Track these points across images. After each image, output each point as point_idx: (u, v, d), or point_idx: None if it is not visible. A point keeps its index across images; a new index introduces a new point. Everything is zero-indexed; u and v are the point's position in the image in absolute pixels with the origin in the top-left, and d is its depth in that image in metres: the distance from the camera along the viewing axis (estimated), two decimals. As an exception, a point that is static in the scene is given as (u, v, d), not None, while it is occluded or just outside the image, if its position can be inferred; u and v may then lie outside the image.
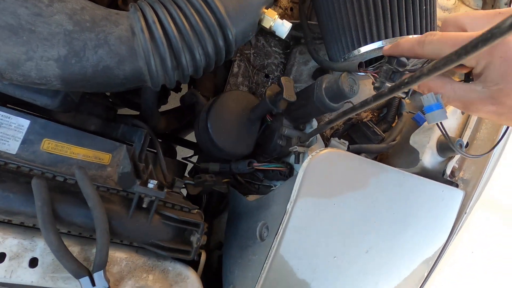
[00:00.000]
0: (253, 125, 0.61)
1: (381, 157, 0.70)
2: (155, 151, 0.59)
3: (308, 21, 0.75)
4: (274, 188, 0.62)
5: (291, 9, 0.87)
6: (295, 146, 0.58)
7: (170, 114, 0.79)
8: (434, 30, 0.50)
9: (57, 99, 0.43)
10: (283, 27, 0.46)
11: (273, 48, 0.82)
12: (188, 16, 0.38)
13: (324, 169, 0.43)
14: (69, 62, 0.34)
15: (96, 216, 0.41)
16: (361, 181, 0.46)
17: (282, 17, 0.88)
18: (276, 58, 0.83)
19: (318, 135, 0.63)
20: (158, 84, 0.41)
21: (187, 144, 0.96)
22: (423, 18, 0.48)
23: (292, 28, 0.81)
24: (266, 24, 0.47)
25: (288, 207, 0.41)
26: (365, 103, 0.33)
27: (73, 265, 0.40)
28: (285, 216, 0.41)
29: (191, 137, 0.92)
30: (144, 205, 0.46)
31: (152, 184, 0.46)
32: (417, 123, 0.63)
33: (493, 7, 0.72)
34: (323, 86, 0.52)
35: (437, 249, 0.60)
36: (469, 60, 0.32)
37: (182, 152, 0.93)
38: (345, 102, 0.56)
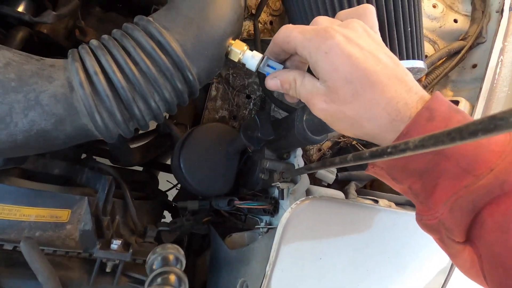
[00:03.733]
0: (232, 159, 0.56)
1: (372, 182, 0.65)
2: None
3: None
4: (259, 226, 0.57)
5: (271, 22, 0.82)
6: (277, 182, 0.53)
7: (146, 144, 0.73)
8: (421, 53, 0.45)
9: (-2, 159, 0.37)
10: (253, 60, 0.41)
11: (254, 66, 0.77)
12: (138, 62, 0.33)
13: (306, 222, 0.38)
14: (-8, 130, 0.28)
15: (48, 293, 0.36)
16: (350, 227, 0.41)
17: (262, 32, 0.82)
18: (257, 77, 0.78)
19: (302, 165, 0.58)
20: (111, 138, 0.36)
21: (170, 170, 0.91)
22: (408, 41, 0.43)
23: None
24: (234, 57, 0.41)
25: (267, 269, 0.36)
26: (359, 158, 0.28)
27: None
28: (264, 279, 0.36)
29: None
30: (108, 270, 0.41)
31: (115, 244, 0.41)
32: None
33: (483, 13, 0.67)
34: (304, 118, 0.47)
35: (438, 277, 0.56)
36: (302, 52, 0.31)
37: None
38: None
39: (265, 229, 0.58)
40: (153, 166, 0.88)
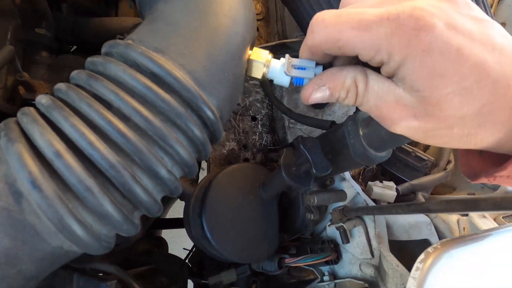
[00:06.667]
0: (269, 207, 0.42)
1: (437, 186, 0.54)
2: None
3: (287, 40, 0.58)
4: (324, 282, 0.43)
5: (256, 28, 0.70)
6: (340, 223, 0.40)
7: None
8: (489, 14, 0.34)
9: None
10: (283, 73, 0.28)
11: (251, 82, 0.65)
12: (129, 115, 0.19)
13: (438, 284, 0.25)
14: None
15: None
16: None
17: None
18: (257, 92, 0.65)
19: (359, 188, 0.45)
20: (107, 248, 0.21)
21: (175, 224, 0.76)
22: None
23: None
24: (256, 73, 0.28)
25: None
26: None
27: None
28: None
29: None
30: None
31: None
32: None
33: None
34: (360, 133, 0.34)
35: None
36: (373, 56, 0.19)
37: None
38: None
39: (332, 284, 0.44)
40: (155, 227, 0.73)
